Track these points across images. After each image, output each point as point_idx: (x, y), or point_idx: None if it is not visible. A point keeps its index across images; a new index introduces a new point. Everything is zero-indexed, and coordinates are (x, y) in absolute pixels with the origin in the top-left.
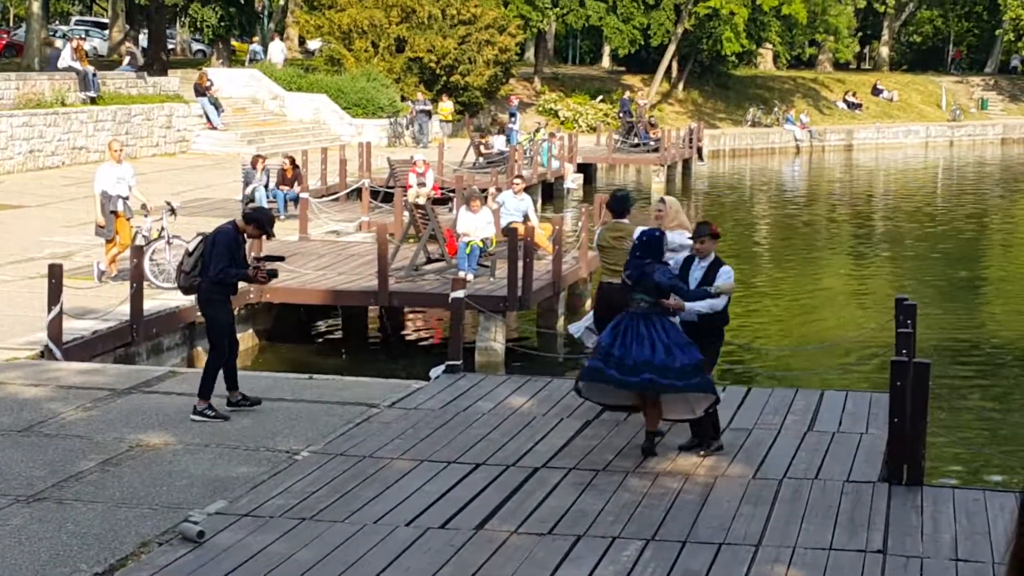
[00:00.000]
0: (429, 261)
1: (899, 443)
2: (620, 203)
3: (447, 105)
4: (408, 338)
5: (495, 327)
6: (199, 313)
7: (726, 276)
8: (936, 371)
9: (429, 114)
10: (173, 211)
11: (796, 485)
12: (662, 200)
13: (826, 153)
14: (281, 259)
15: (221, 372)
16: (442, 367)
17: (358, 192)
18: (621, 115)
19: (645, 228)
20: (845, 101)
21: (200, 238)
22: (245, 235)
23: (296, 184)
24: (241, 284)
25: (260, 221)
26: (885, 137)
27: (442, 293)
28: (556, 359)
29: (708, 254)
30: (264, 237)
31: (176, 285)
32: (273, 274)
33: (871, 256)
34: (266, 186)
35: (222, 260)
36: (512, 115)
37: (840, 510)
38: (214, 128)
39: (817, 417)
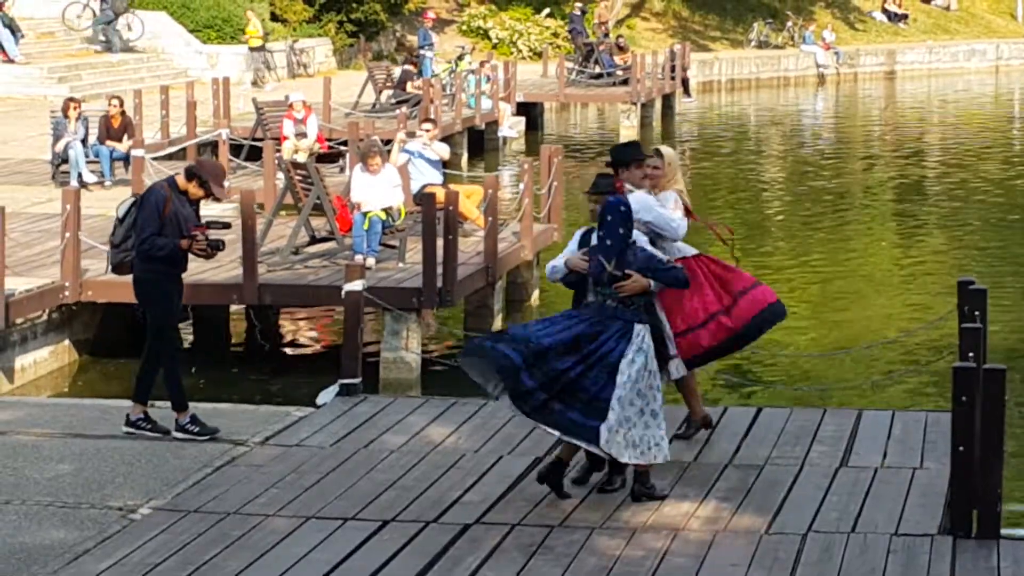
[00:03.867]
0: (313, 241)
1: (966, 480)
2: (617, 152)
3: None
4: (286, 349)
5: (407, 331)
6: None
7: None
8: (1016, 381)
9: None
10: None
11: (826, 541)
12: (658, 152)
13: (859, 83)
14: (227, 226)
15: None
16: (334, 388)
17: (213, 147)
18: (572, 34)
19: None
20: (885, 11)
21: (133, 201)
22: (187, 195)
23: (126, 137)
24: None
25: (200, 177)
26: (940, 59)
27: (332, 285)
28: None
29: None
30: (209, 198)
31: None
32: (217, 245)
33: (924, 227)
34: (84, 141)
35: (148, 227)
36: (425, 40)
37: (887, 575)
38: (10, 61)
39: (853, 447)
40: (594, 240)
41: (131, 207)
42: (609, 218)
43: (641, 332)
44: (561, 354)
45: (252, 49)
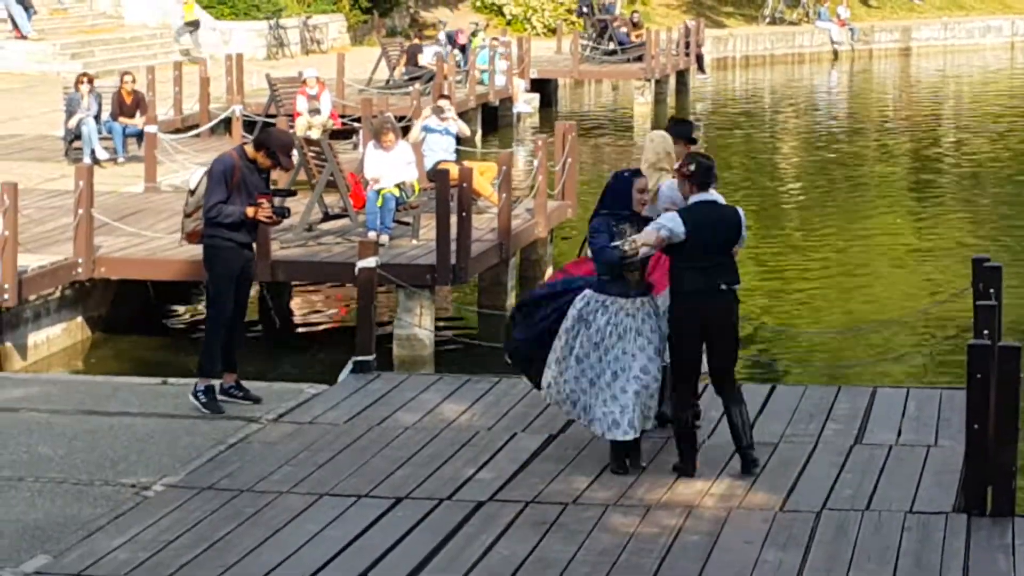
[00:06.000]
0: (327, 217)
1: (980, 458)
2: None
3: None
4: (299, 326)
5: (420, 308)
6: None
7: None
8: None
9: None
10: None
11: (840, 519)
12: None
13: (875, 60)
14: (292, 193)
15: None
16: (348, 366)
17: (226, 124)
18: (584, 10)
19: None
20: None
21: (205, 171)
22: (256, 164)
23: (139, 114)
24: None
25: (268, 147)
26: (955, 36)
27: (346, 262)
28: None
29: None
30: (278, 167)
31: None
32: (282, 212)
33: (939, 204)
34: (96, 117)
35: (215, 195)
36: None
37: (901, 552)
38: (23, 37)
39: (868, 425)
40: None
41: (203, 177)
42: None
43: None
44: None
45: (187, 24)
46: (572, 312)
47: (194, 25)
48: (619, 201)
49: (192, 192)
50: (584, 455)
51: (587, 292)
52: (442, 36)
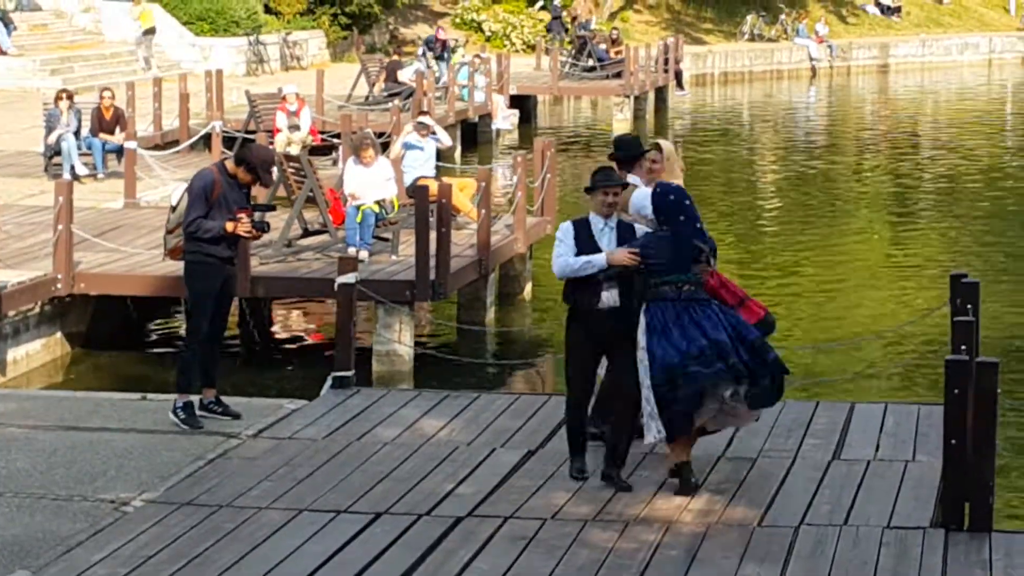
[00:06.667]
0: (306, 234)
1: (958, 474)
2: (626, 147)
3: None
4: (279, 341)
5: (399, 324)
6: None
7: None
8: (1008, 374)
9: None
10: None
11: (818, 534)
12: (657, 147)
13: (853, 76)
14: (271, 208)
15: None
16: (327, 381)
17: (206, 140)
18: (552, 29)
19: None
20: (878, 4)
21: (185, 188)
22: (237, 179)
23: (119, 130)
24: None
25: (248, 162)
26: (933, 53)
27: (325, 278)
28: (485, 367)
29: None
30: (258, 183)
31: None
32: (262, 227)
33: (916, 221)
34: (76, 133)
35: (194, 210)
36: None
37: (879, 567)
38: (3, 53)
39: (846, 440)
40: (605, 232)
41: (184, 193)
42: (687, 202)
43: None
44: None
45: (145, 32)
46: None
47: (152, 32)
48: None
49: (174, 208)
50: (563, 471)
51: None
52: (421, 50)
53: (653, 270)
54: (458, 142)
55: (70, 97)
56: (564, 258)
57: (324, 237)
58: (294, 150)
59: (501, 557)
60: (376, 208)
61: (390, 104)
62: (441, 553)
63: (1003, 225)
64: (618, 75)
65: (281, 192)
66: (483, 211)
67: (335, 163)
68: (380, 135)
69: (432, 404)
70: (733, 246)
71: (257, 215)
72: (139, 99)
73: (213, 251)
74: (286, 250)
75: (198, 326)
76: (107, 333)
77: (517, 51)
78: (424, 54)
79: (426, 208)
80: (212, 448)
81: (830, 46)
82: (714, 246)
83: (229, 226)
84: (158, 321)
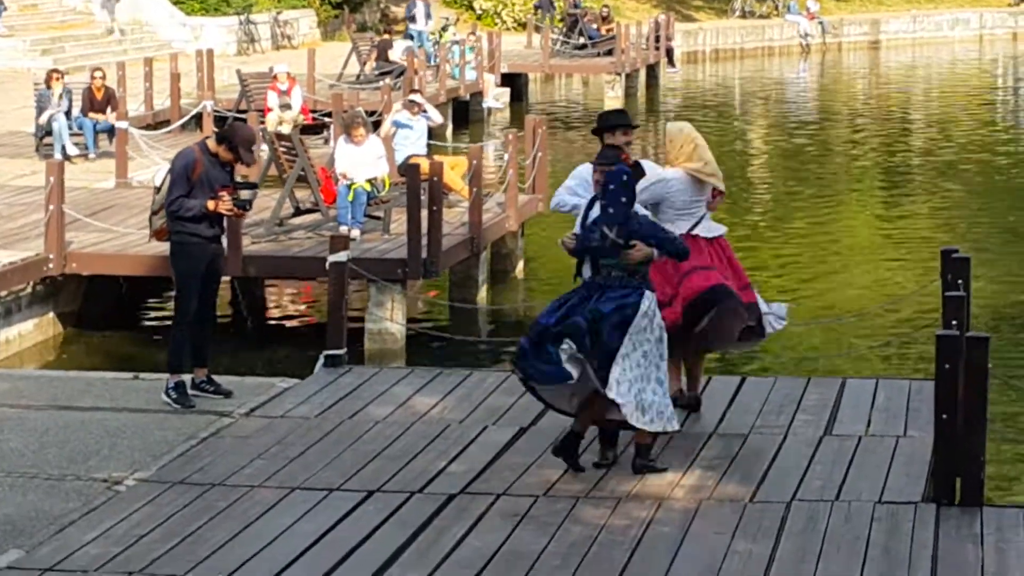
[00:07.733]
0: (298, 212)
1: (949, 448)
2: (600, 119)
3: None
4: (271, 320)
5: (391, 303)
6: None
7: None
8: (999, 349)
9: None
10: None
11: (810, 510)
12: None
13: (844, 53)
14: (254, 186)
15: None
16: (319, 360)
17: (197, 119)
18: (540, 7)
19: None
20: None
21: (168, 168)
22: (219, 158)
23: (110, 110)
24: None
25: (229, 141)
26: (924, 29)
27: (317, 257)
28: (477, 345)
29: None
30: (239, 162)
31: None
32: (243, 205)
33: (908, 196)
34: (68, 113)
35: (176, 189)
36: (412, 17)
37: (870, 543)
38: None
39: (837, 416)
40: (595, 211)
41: (167, 174)
42: (612, 187)
43: (650, 299)
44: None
45: None
46: (656, 317)
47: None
48: None
49: (158, 189)
50: (592, 462)
51: (650, 293)
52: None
53: (591, 253)
54: (449, 120)
55: (61, 77)
56: (562, 195)
57: (315, 216)
58: (285, 129)
59: (494, 534)
60: (367, 187)
61: (381, 83)
62: (434, 530)
63: (994, 200)
64: (609, 53)
65: (272, 171)
66: (474, 189)
67: (326, 142)
68: (371, 114)
69: (424, 382)
70: (724, 222)
71: (243, 193)
72: (130, 79)
73: (196, 230)
74: (277, 229)
75: (186, 306)
76: (99, 313)
77: (508, 29)
78: (409, 32)
79: (417, 186)
80: (204, 427)
81: (821, 22)
82: (652, 232)
83: (211, 204)
84: (150, 301)
